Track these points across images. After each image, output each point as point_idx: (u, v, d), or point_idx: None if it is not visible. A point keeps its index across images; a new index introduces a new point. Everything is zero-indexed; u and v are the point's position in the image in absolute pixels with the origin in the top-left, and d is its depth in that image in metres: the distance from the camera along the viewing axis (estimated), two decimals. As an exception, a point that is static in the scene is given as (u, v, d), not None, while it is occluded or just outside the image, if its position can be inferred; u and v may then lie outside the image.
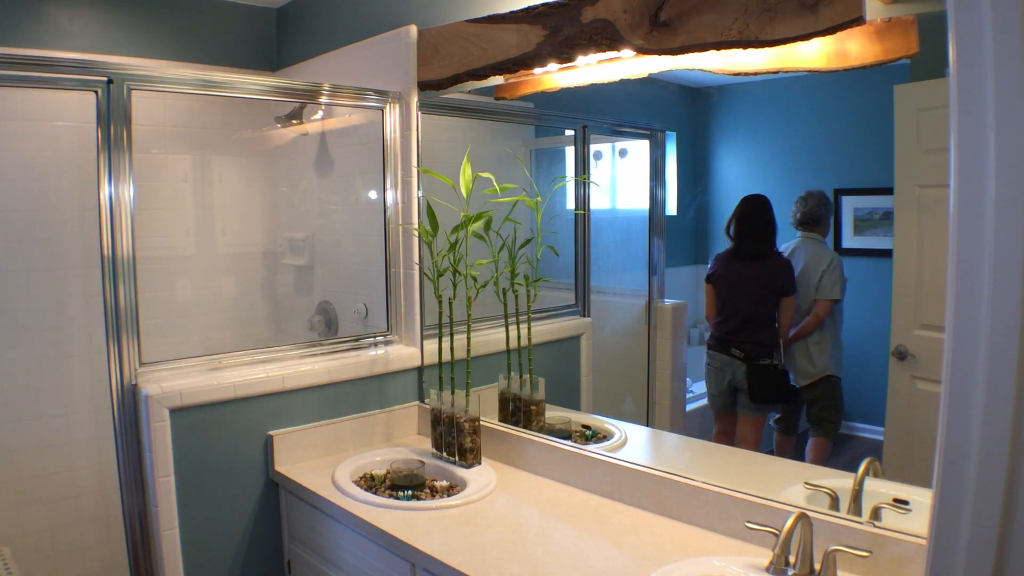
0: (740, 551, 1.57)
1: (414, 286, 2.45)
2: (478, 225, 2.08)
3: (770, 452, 1.95)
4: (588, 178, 2.37)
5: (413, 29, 2.36)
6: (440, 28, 2.25)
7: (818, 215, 1.75)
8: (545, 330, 2.35)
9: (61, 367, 2.71)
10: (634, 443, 2.14)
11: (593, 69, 1.98)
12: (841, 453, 1.84)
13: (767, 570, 1.43)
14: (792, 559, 1.42)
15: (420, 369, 2.48)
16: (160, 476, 1.97)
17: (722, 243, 2.13)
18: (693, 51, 1.63)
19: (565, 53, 1.89)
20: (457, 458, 2.12)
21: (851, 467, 1.60)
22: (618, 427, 2.17)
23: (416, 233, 2.36)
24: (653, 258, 2.25)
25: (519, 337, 2.23)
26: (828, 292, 1.75)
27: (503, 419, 2.25)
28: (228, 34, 3.09)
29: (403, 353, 2.45)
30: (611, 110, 2.32)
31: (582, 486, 1.97)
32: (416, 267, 2.44)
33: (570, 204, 2.40)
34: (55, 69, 1.84)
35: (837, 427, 1.80)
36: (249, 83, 2.24)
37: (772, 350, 1.87)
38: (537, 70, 2.04)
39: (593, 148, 2.40)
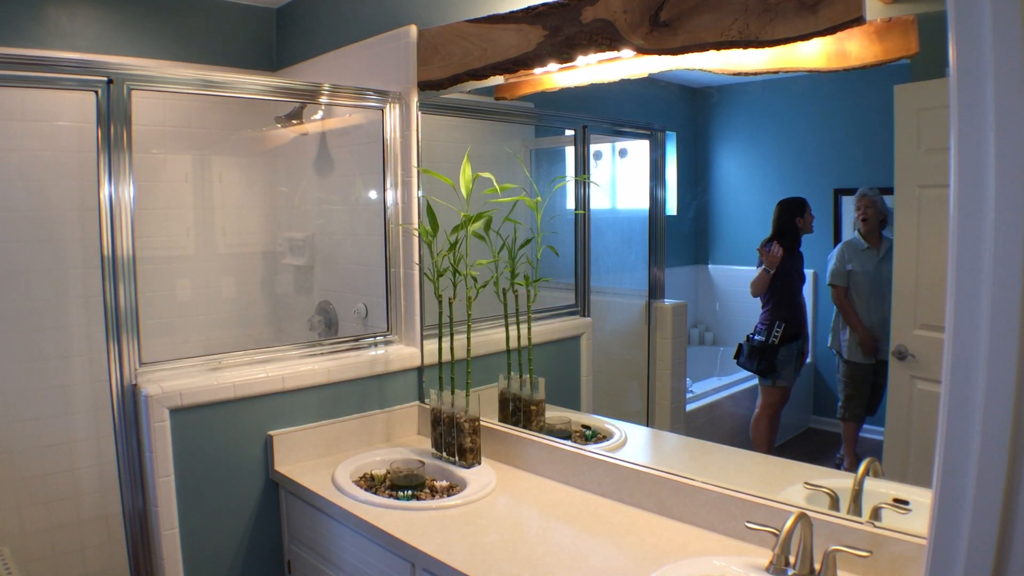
0: (740, 551, 1.57)
1: (414, 286, 2.45)
2: (478, 225, 2.08)
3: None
4: (588, 178, 2.37)
5: (413, 29, 2.36)
6: (440, 28, 2.25)
7: (855, 215, 1.82)
8: (545, 330, 2.35)
9: (61, 367, 2.71)
10: (634, 443, 2.14)
11: (593, 69, 1.98)
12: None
13: (767, 570, 1.43)
14: (792, 559, 1.42)
15: (420, 369, 2.48)
16: (160, 476, 1.97)
17: (721, 242, 2.14)
18: (693, 51, 1.63)
19: (565, 53, 1.89)
20: (457, 458, 2.12)
21: (851, 467, 1.60)
22: (618, 427, 2.17)
23: (416, 233, 2.36)
24: (653, 258, 2.25)
25: (519, 337, 2.23)
26: (828, 277, 1.85)
27: (503, 419, 2.25)
28: (228, 34, 3.09)
29: (403, 353, 2.45)
30: (611, 110, 2.32)
31: (582, 486, 1.97)
32: (416, 267, 2.44)
33: (570, 204, 2.40)
34: (55, 69, 1.84)
35: (850, 410, 1.82)
36: (249, 83, 2.24)
37: (756, 325, 2.03)
38: (537, 70, 2.04)
39: (593, 148, 2.40)
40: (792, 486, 1.66)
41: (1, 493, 2.61)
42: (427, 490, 2.02)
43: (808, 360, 1.96)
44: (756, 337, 2.00)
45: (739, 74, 1.69)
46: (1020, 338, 0.71)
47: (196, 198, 3.09)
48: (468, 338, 2.17)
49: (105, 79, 1.88)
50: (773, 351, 1.98)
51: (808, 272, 1.92)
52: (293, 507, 2.17)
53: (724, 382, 2.16)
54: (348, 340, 2.42)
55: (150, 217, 2.89)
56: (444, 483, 2.06)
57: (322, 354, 2.35)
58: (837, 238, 1.85)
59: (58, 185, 2.69)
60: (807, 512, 1.43)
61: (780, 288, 1.97)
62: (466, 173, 2.07)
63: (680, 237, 2.23)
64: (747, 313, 2.07)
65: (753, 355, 2.01)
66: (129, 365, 1.97)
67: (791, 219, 1.92)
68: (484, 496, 1.94)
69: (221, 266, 3.17)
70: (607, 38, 1.78)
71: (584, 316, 2.42)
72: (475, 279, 2.12)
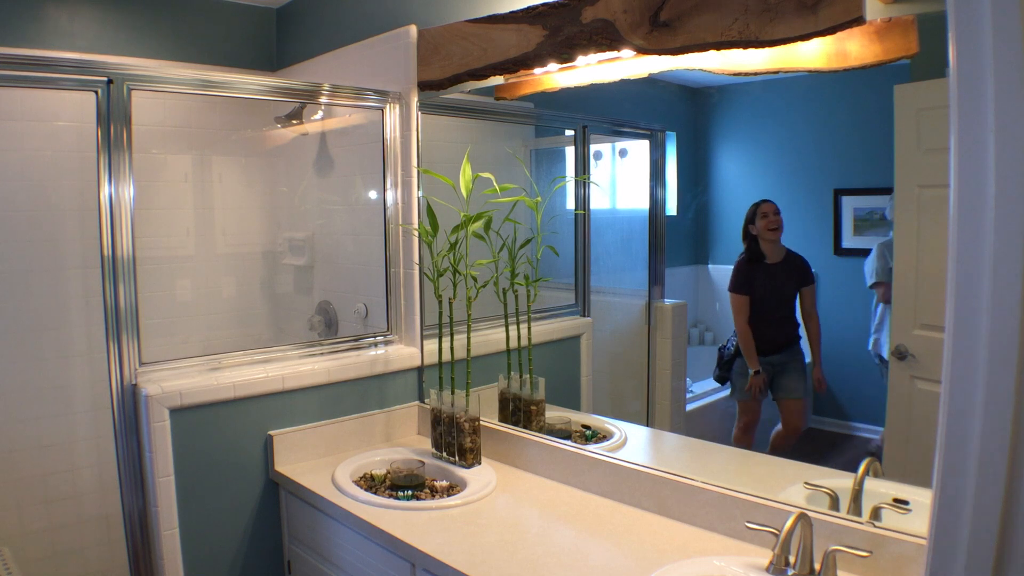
0: (740, 551, 1.57)
1: (414, 286, 2.45)
2: (478, 225, 2.08)
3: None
4: (588, 178, 2.37)
5: (413, 29, 2.36)
6: (440, 28, 2.25)
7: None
8: (545, 330, 2.35)
9: (61, 367, 2.71)
10: (634, 443, 2.14)
11: (593, 69, 1.98)
12: (841, 453, 1.84)
13: (767, 570, 1.43)
14: (792, 559, 1.42)
15: (420, 369, 2.48)
16: (160, 476, 1.97)
17: (721, 242, 2.13)
18: (693, 51, 1.63)
19: (565, 53, 1.89)
20: (457, 458, 2.12)
21: (851, 467, 1.60)
22: (618, 427, 2.17)
23: (416, 233, 2.36)
24: (653, 258, 2.25)
25: (519, 337, 2.23)
26: (873, 276, 1.82)
27: (503, 419, 2.25)
28: (228, 34, 3.09)
29: (403, 353, 2.45)
30: (611, 110, 2.32)
31: (582, 486, 1.97)
32: (416, 267, 2.44)
33: (570, 204, 2.40)
34: (55, 69, 1.84)
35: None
36: (249, 83, 2.24)
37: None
38: (537, 70, 2.04)
39: (593, 148, 2.40)
40: (792, 486, 1.66)
41: (1, 493, 2.61)
42: (427, 490, 2.02)
43: (808, 361, 1.94)
44: (728, 344, 1.99)
45: (739, 74, 1.69)
46: (1020, 338, 0.71)
47: (196, 198, 3.09)
48: (468, 338, 2.17)
49: (105, 79, 1.88)
50: (729, 362, 1.97)
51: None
52: (293, 507, 2.17)
53: (724, 382, 2.16)
54: (348, 340, 2.42)
55: (150, 217, 2.89)
56: (444, 483, 2.06)
57: (322, 354, 2.35)
58: (837, 238, 1.85)
59: (58, 185, 2.68)
60: (807, 512, 1.43)
61: (756, 301, 1.94)
62: (466, 173, 2.07)
63: (680, 237, 2.23)
64: (747, 313, 2.07)
65: (717, 362, 2.01)
66: (129, 365, 1.97)
67: (745, 226, 1.89)
68: (484, 496, 1.94)
69: (221, 266, 3.17)
70: (607, 38, 1.78)
71: (584, 316, 2.42)
72: (475, 279, 2.12)
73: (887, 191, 1.66)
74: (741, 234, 1.90)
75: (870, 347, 1.80)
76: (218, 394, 2.07)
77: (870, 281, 1.78)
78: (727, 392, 2.10)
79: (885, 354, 1.73)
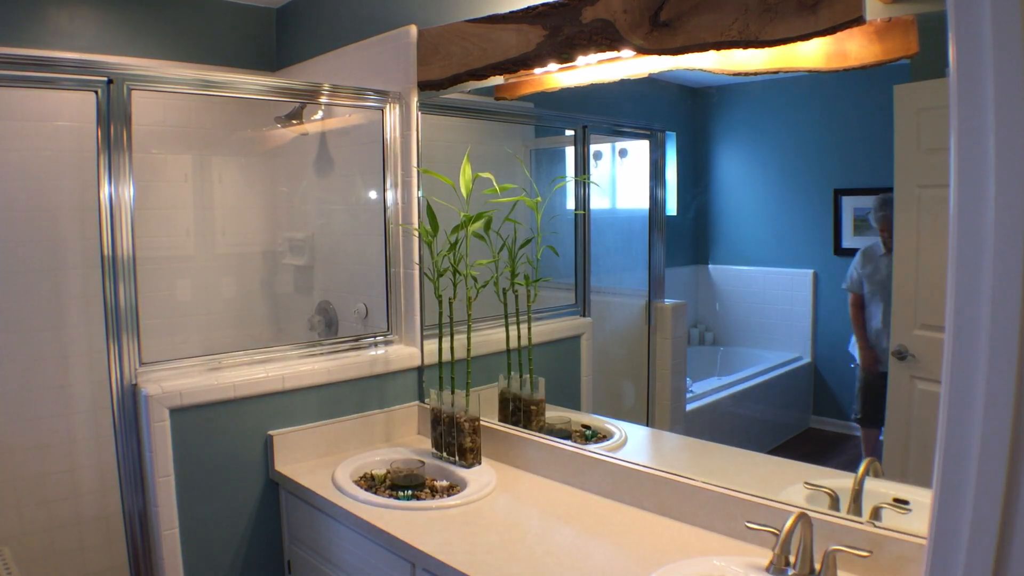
0: (740, 551, 1.57)
1: (414, 286, 2.45)
2: (478, 225, 2.08)
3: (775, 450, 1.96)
4: (588, 178, 2.37)
5: (413, 29, 2.36)
6: (440, 28, 2.25)
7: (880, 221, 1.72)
8: (545, 330, 2.35)
9: (61, 367, 2.71)
10: (634, 443, 2.14)
11: (593, 69, 1.98)
12: (841, 453, 1.84)
13: (767, 570, 1.43)
14: (792, 559, 1.42)
15: (420, 369, 2.48)
16: (160, 476, 1.97)
17: (721, 242, 2.13)
18: (693, 51, 1.63)
19: (565, 53, 1.89)
20: (457, 458, 2.12)
21: (851, 467, 1.60)
22: (618, 427, 2.17)
23: (416, 233, 2.36)
24: (653, 258, 2.25)
25: (519, 337, 2.23)
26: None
27: (503, 419, 2.25)
28: (228, 34, 3.09)
29: (403, 353, 2.45)
30: (611, 110, 2.32)
31: (582, 486, 1.97)
32: (416, 267, 2.44)
33: (570, 204, 2.40)
34: (55, 69, 1.84)
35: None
36: (249, 83, 2.24)
37: None
38: (537, 70, 2.04)
39: (593, 148, 2.40)
40: (792, 486, 1.66)
41: (1, 493, 2.61)
42: (427, 490, 2.02)
43: (808, 360, 1.93)
44: None
45: (739, 74, 1.69)
46: (1020, 338, 0.71)
47: (196, 198, 3.09)
48: (468, 338, 2.17)
49: (105, 79, 1.88)
50: None
51: (808, 272, 1.92)
52: (293, 507, 2.17)
53: (724, 382, 2.16)
54: (348, 340, 2.42)
55: (150, 217, 2.89)
56: (444, 483, 2.06)
57: (322, 354, 2.35)
58: (837, 238, 1.85)
59: (58, 185, 2.68)
60: (807, 512, 1.43)
61: None
62: (466, 173, 2.07)
63: (680, 237, 2.23)
64: (747, 313, 2.07)
65: None
66: (129, 365, 1.97)
67: None
68: (484, 496, 1.94)
69: (221, 266, 3.17)
70: (607, 38, 1.78)
71: (584, 316, 2.42)
72: (475, 279, 2.12)
73: (887, 191, 1.66)
74: None
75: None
76: (218, 394, 2.07)
77: (844, 285, 1.77)
78: (730, 391, 2.10)
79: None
